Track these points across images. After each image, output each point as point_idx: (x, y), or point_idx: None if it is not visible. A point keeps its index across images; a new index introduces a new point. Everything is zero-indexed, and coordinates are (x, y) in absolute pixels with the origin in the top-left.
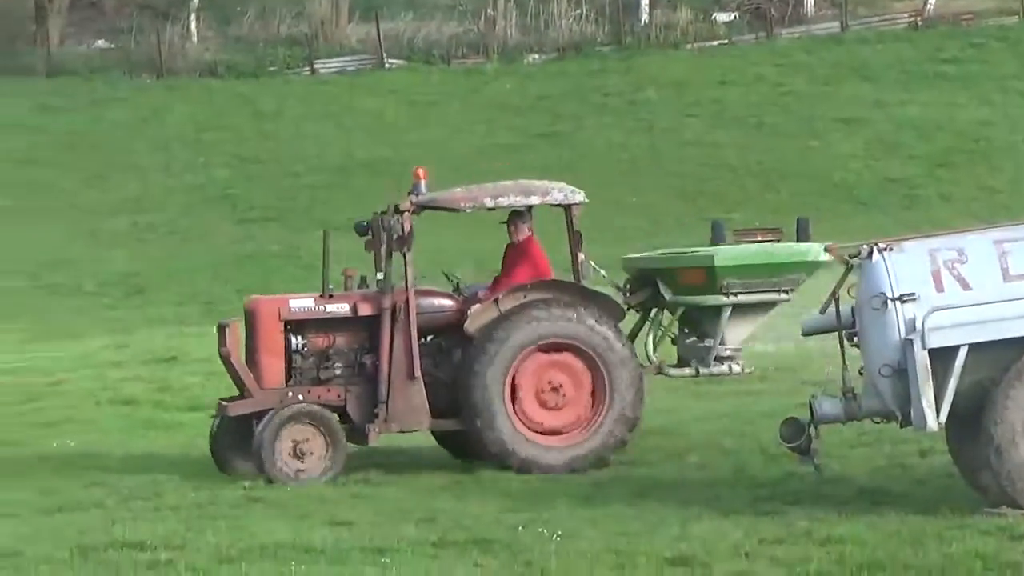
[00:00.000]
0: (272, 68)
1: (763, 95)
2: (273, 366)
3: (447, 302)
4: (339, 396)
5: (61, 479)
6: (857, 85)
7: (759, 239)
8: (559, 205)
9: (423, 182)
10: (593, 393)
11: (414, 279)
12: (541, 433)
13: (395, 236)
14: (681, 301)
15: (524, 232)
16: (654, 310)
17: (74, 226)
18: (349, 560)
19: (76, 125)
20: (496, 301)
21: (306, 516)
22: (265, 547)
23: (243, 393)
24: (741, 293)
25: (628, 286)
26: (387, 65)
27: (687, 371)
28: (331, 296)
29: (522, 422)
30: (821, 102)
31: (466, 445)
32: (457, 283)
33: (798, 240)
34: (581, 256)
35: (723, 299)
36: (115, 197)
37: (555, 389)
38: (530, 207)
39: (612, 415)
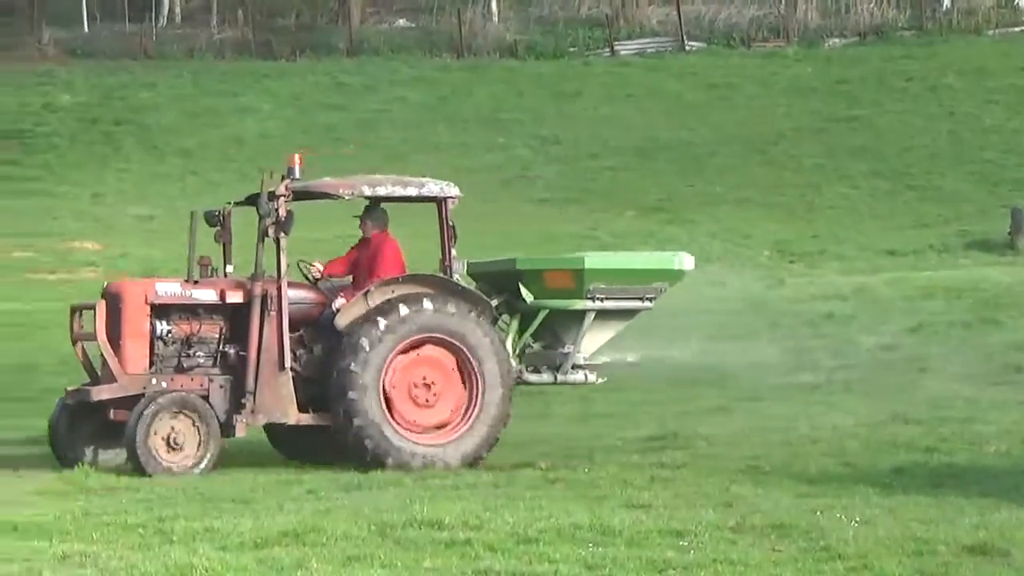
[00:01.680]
0: (572, 49)
1: None
2: (138, 351)
3: (310, 294)
4: (202, 385)
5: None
6: None
7: None
8: (434, 199)
9: (298, 167)
10: (464, 390)
11: (287, 267)
12: (413, 431)
13: (272, 221)
14: (544, 305)
15: (377, 228)
16: (508, 316)
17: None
18: (647, 543)
19: (376, 104)
20: (366, 295)
21: (603, 498)
22: (562, 528)
23: (94, 380)
24: (607, 299)
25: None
26: (687, 47)
27: (545, 377)
28: (197, 282)
29: (395, 420)
30: None
31: (311, 443)
32: (313, 276)
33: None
34: (454, 252)
35: (589, 304)
36: (414, 176)
37: (427, 386)
38: (400, 201)
39: (484, 412)
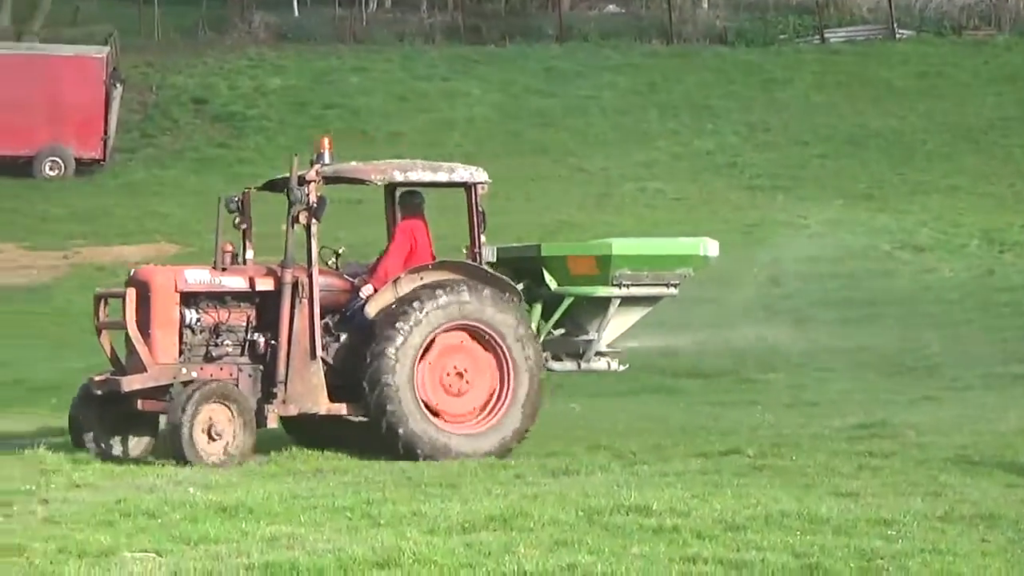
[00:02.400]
0: (782, 36)
1: None
2: (167, 340)
3: (336, 281)
4: (231, 375)
5: (565, 442)
6: None
7: None
8: (463, 184)
9: (327, 152)
10: (495, 379)
11: (318, 253)
12: (445, 420)
13: (303, 207)
14: (568, 292)
15: (407, 214)
16: (528, 303)
17: (583, 190)
18: (854, 531)
19: (585, 90)
20: (395, 283)
21: (811, 486)
22: (770, 515)
23: (118, 369)
24: (632, 285)
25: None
26: (897, 35)
27: (568, 365)
28: (225, 269)
29: (428, 409)
30: None
31: (330, 432)
32: (336, 261)
33: None
34: (483, 238)
35: (615, 290)
36: (623, 163)
37: (459, 374)
38: (430, 186)
39: (516, 402)
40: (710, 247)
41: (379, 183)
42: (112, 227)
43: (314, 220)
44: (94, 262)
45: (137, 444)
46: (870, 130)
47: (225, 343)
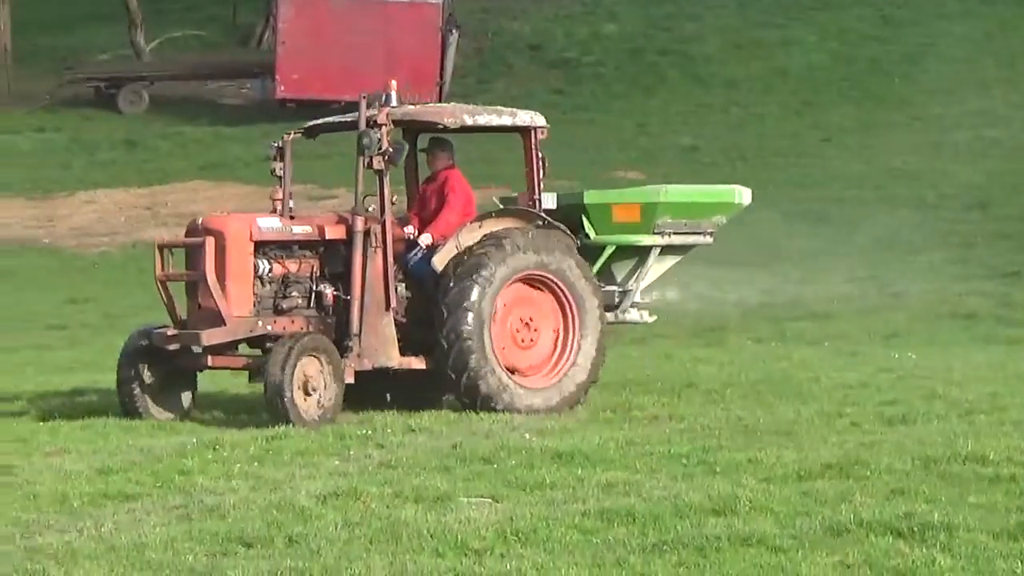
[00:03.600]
0: None
1: None
2: (243, 292)
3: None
4: (301, 328)
5: (900, 391)
6: None
7: None
8: (526, 128)
9: (394, 93)
10: (560, 329)
11: (392, 200)
12: (518, 372)
13: (377, 151)
14: (608, 240)
15: (446, 162)
16: None
17: (919, 138)
18: None
19: (921, 38)
20: (457, 234)
21: None
22: None
23: (176, 321)
24: (674, 233)
25: None
26: None
27: (608, 316)
28: (293, 217)
29: (503, 361)
30: None
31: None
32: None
33: None
34: (542, 184)
35: (658, 239)
36: (959, 111)
37: (526, 325)
38: (495, 131)
39: (583, 351)
40: (744, 195)
41: (452, 126)
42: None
43: (392, 165)
44: None
45: (177, 403)
46: None
47: (292, 294)
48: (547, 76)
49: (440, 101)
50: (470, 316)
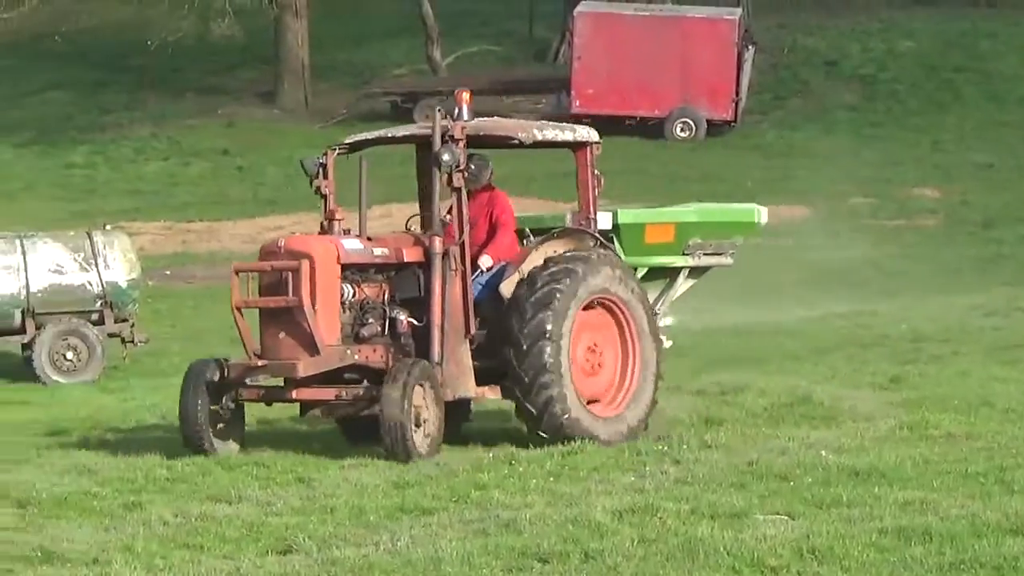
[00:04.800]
0: None
1: None
2: (333, 319)
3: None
4: (382, 357)
5: None
6: None
7: None
8: (585, 144)
9: (467, 107)
10: (622, 353)
11: (467, 223)
12: (590, 400)
13: (458, 168)
14: (639, 263)
15: (487, 179)
16: None
17: None
18: None
19: None
20: (524, 258)
21: None
22: None
23: (250, 353)
24: (703, 254)
25: None
26: None
27: None
28: (371, 238)
29: (578, 390)
30: None
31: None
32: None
33: None
34: (598, 203)
35: (689, 260)
36: None
37: (592, 351)
38: (559, 146)
39: (647, 376)
40: (763, 215)
41: (527, 141)
42: (741, 188)
43: (475, 184)
44: None
45: (239, 436)
46: None
47: (369, 320)
48: (842, 92)
49: (735, 118)
50: (550, 347)
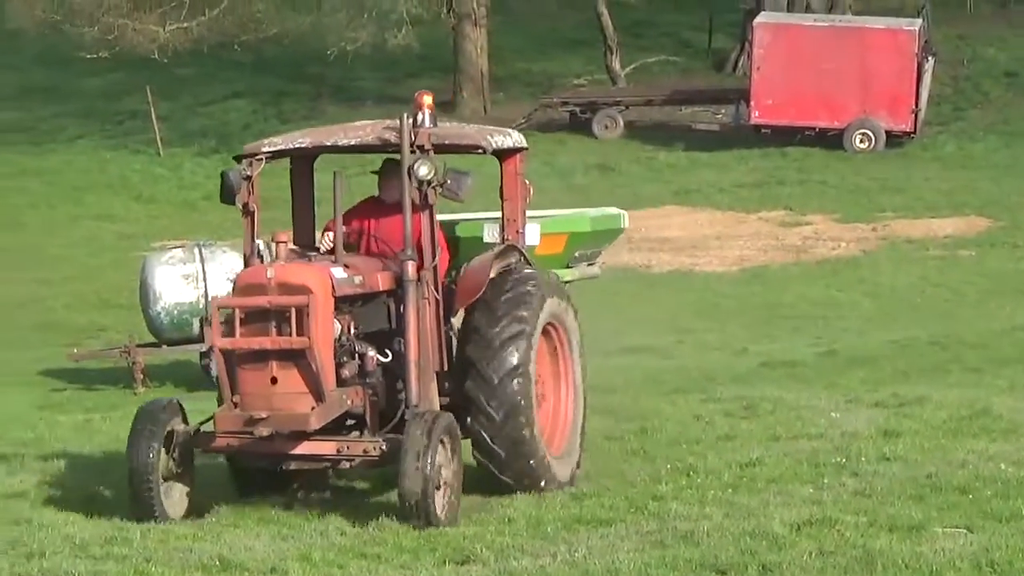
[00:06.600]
0: None
1: None
2: (330, 359)
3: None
4: (361, 401)
5: None
6: None
7: None
8: (519, 150)
9: (429, 112)
10: (561, 382)
11: (439, 243)
12: (544, 438)
13: (438, 182)
14: None
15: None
16: None
17: None
18: None
19: None
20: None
21: None
22: None
23: (226, 398)
24: (586, 265)
25: None
26: None
27: None
28: (347, 265)
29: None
30: None
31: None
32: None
33: None
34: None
35: (576, 273)
36: None
37: (538, 382)
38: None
39: (579, 403)
40: (625, 219)
41: (487, 149)
42: (921, 200)
43: (457, 201)
44: (903, 235)
45: (180, 501)
46: None
47: (344, 359)
48: (1023, 104)
49: (915, 129)
50: (518, 383)
